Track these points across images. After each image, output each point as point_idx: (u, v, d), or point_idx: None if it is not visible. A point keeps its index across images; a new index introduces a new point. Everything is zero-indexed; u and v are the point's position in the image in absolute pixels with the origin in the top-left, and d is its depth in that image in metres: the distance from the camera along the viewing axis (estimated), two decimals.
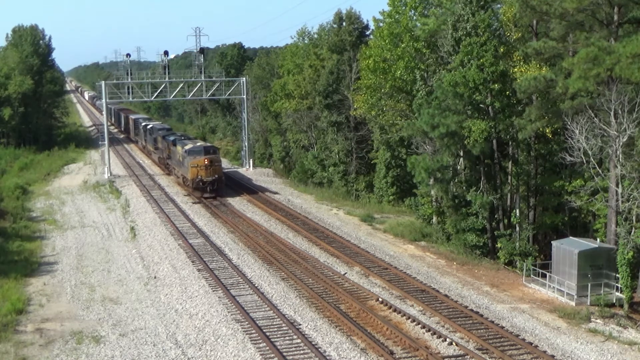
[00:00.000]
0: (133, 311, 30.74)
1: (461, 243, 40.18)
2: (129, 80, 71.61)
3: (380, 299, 31.58)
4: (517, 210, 40.65)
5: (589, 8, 33.72)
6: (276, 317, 29.43)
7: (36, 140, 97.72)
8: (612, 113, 32.31)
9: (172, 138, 66.01)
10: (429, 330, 27.77)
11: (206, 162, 55.12)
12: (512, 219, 40.23)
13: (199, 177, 55.07)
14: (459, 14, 40.10)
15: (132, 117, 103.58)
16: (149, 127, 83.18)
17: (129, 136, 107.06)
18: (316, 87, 66.10)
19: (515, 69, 40.42)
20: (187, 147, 57.45)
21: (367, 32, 67.37)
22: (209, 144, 63.13)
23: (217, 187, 55.84)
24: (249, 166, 74.23)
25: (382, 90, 50.84)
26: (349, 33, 66.28)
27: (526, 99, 38.66)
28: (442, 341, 26.78)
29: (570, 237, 35.20)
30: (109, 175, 68.93)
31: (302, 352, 25.78)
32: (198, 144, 60.15)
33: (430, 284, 33.91)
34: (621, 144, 32.44)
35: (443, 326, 28.42)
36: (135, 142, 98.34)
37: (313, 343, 26.43)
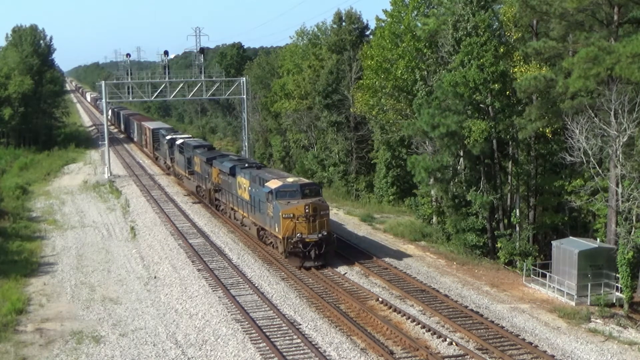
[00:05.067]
0: (133, 311, 30.74)
1: (461, 243, 40.18)
2: (129, 80, 71.59)
3: (380, 299, 31.57)
4: (517, 210, 40.64)
5: (589, 8, 33.73)
6: (276, 317, 29.42)
7: (36, 140, 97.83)
8: (612, 113, 32.30)
9: (228, 164, 45.76)
10: (429, 330, 27.76)
11: (307, 211, 35.75)
12: (512, 219, 40.23)
13: (298, 235, 35.73)
14: (459, 14, 40.08)
15: (150, 126, 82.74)
16: (178, 142, 63.03)
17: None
18: (316, 87, 66.10)
19: (515, 69, 40.41)
20: (271, 185, 37.39)
21: (367, 32, 67.49)
22: (306, 180, 40.88)
23: (326, 251, 36.38)
24: None
25: (384, 91, 50.78)
26: (349, 32, 66.32)
27: (526, 98, 38.65)
28: (442, 341, 26.77)
29: (570, 237, 35.18)
30: (109, 175, 68.95)
31: (302, 352, 25.77)
32: (289, 180, 38.35)
33: (430, 284, 33.91)
34: (621, 143, 32.44)
35: (443, 326, 28.40)
36: (155, 158, 78.57)
37: (313, 343, 26.42)
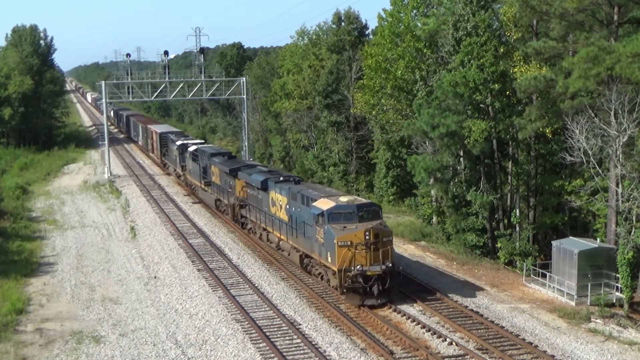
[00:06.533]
0: (133, 311, 30.74)
1: (461, 243, 40.19)
2: (129, 80, 71.59)
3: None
4: (517, 210, 40.64)
5: (589, 8, 33.73)
6: (276, 317, 29.42)
7: (36, 140, 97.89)
8: (612, 113, 32.29)
9: (258, 177, 40.27)
10: (429, 330, 27.75)
11: (367, 238, 29.65)
12: (512, 219, 40.23)
13: (357, 267, 29.61)
14: (459, 13, 40.09)
15: (157, 130, 76.84)
16: (190, 149, 57.73)
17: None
18: (316, 87, 66.12)
19: (515, 69, 40.41)
20: (322, 206, 31.38)
21: (367, 32, 67.52)
22: (363, 200, 33.95)
23: (390, 286, 30.43)
24: None
25: (384, 91, 50.77)
26: (348, 33, 66.34)
27: (526, 98, 38.65)
28: (442, 341, 26.76)
29: (570, 237, 35.17)
30: (109, 175, 68.97)
31: (302, 352, 25.76)
32: (343, 199, 31.86)
33: (430, 284, 33.89)
34: (621, 143, 32.43)
35: (443, 326, 28.40)
36: (164, 165, 72.91)
37: (313, 343, 26.42)
